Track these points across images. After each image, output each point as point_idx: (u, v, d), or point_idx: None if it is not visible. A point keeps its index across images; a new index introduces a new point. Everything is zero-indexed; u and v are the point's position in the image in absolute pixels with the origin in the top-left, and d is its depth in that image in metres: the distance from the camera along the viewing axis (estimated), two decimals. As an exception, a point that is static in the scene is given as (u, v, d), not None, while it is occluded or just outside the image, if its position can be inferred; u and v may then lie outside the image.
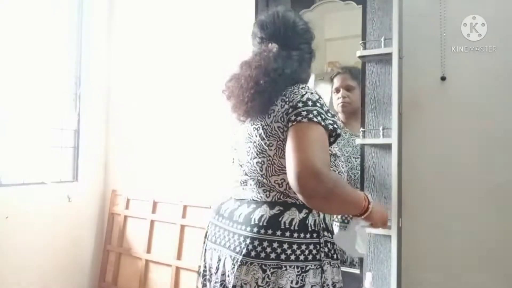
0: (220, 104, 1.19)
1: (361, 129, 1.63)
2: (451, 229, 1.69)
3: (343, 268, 1.69)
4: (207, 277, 1.16)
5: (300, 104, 0.99)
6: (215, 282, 1.10)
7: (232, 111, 1.13)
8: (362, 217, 1.07)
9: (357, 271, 1.64)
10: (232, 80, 1.12)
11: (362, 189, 1.64)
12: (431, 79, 1.73)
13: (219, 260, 1.10)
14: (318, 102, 1.01)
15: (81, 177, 2.69)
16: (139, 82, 2.72)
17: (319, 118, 0.97)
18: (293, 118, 0.98)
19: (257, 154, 1.07)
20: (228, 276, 1.04)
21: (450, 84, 1.70)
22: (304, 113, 0.97)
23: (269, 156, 1.04)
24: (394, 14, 1.52)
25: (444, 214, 1.70)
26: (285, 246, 0.99)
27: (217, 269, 1.10)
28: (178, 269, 2.38)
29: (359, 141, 1.63)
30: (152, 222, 2.56)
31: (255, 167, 1.07)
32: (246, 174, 1.11)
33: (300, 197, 0.93)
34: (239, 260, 1.01)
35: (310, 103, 0.99)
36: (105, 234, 2.76)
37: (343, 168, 1.17)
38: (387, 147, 1.55)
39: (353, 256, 1.18)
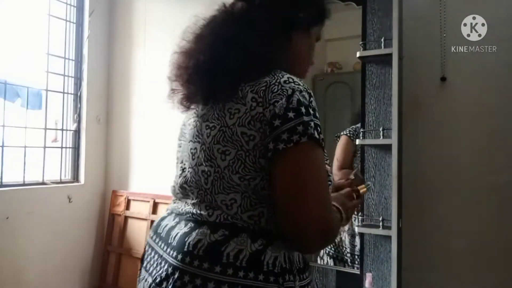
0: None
1: (361, 129, 1.63)
2: (451, 229, 1.69)
3: (343, 269, 1.70)
4: None
5: (291, 114, 0.69)
6: None
7: (170, 95, 0.93)
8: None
9: (357, 271, 1.65)
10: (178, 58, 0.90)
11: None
12: (431, 79, 1.73)
13: None
14: (311, 106, 0.72)
15: (81, 177, 2.69)
16: (139, 82, 2.73)
17: (316, 134, 0.70)
18: (285, 137, 0.69)
19: (204, 160, 0.77)
20: None
21: (450, 84, 1.70)
22: (300, 129, 0.69)
23: (218, 167, 0.75)
24: (394, 14, 1.53)
25: (444, 214, 1.70)
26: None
27: None
28: (178, 269, 2.38)
29: (359, 141, 1.63)
30: (152, 222, 2.55)
31: (199, 176, 0.78)
32: (187, 182, 0.81)
33: (292, 246, 0.73)
34: None
35: (303, 109, 0.70)
36: (106, 234, 2.76)
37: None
38: (387, 147, 1.55)
39: None
